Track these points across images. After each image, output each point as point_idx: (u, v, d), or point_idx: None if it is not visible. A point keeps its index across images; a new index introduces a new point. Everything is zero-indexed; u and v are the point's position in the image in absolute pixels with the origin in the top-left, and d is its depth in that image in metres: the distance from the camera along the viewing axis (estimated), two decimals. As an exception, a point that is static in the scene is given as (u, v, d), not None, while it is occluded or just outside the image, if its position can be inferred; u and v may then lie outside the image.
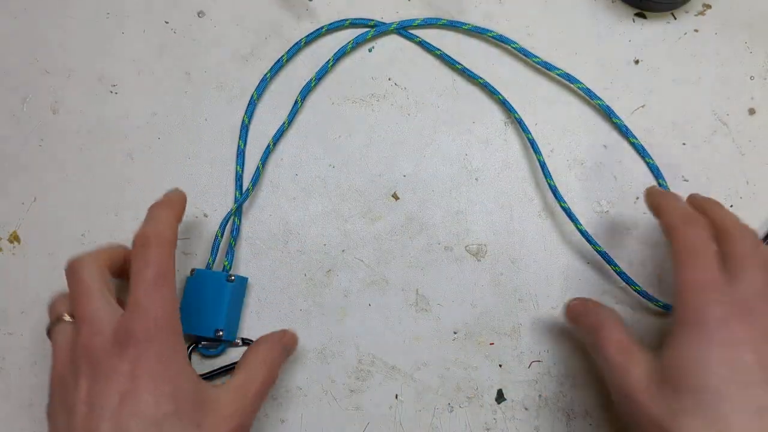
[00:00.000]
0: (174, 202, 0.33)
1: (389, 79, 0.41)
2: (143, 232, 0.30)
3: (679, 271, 0.29)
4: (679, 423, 0.26)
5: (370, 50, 0.41)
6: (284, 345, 0.34)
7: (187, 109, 0.40)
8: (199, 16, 0.42)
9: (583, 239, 0.37)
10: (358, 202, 0.39)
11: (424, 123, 0.40)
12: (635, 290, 0.36)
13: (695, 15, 0.41)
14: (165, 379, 0.27)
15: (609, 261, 0.37)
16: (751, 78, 0.40)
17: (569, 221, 0.37)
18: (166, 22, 0.42)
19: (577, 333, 0.35)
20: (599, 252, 0.37)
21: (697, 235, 0.29)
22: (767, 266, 0.28)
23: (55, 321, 0.30)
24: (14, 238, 0.39)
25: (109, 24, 0.42)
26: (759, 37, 0.41)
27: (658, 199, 0.33)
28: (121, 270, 0.32)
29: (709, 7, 0.41)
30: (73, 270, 0.30)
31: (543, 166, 0.38)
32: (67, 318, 0.29)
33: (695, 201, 0.33)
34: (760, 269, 0.28)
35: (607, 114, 0.39)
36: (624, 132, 0.39)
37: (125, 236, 0.38)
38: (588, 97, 0.39)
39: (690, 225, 0.30)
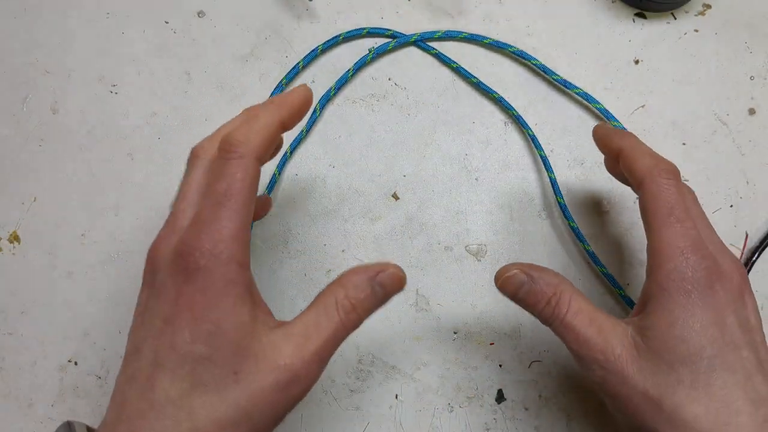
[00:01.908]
0: (284, 103, 0.27)
1: (389, 79, 0.41)
2: (228, 136, 0.25)
3: (661, 233, 0.26)
4: (677, 396, 0.24)
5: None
6: (379, 283, 0.27)
7: (187, 109, 0.40)
8: (199, 16, 0.42)
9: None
10: (358, 202, 0.39)
11: (424, 123, 0.40)
12: (620, 294, 0.36)
13: (695, 15, 0.41)
14: (206, 315, 0.23)
15: (596, 262, 0.37)
16: (751, 78, 0.40)
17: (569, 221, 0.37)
18: (166, 22, 0.42)
19: (520, 306, 0.29)
20: (588, 252, 0.37)
21: (679, 191, 0.27)
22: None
23: None
24: (14, 238, 0.39)
25: (109, 24, 0.42)
26: (759, 37, 0.41)
27: (618, 140, 0.30)
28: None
29: (709, 7, 0.41)
30: (189, 158, 0.27)
31: (545, 160, 0.38)
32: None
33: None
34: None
35: (606, 117, 0.39)
36: (624, 132, 0.39)
37: (125, 236, 0.38)
38: (586, 101, 0.39)
39: (669, 177, 0.27)
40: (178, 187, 0.28)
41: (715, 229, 0.28)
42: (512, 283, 0.28)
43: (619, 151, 0.29)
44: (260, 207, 0.33)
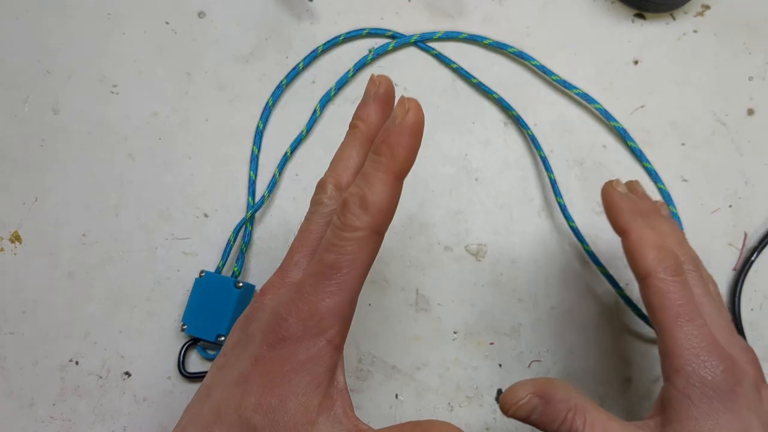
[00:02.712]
0: (396, 150, 0.22)
1: (389, 80, 0.41)
2: (362, 196, 0.22)
3: (672, 334, 0.25)
4: None
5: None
6: None
7: (187, 109, 0.40)
8: (199, 16, 0.42)
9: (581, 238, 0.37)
10: (359, 202, 0.39)
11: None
12: (620, 294, 0.36)
13: (694, 16, 0.41)
14: (276, 387, 0.22)
15: (596, 262, 0.37)
16: (750, 78, 0.40)
17: (570, 221, 0.37)
18: (167, 23, 0.42)
19: (533, 427, 0.27)
20: (588, 252, 0.37)
21: (685, 287, 0.26)
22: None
23: None
24: (15, 237, 0.39)
25: (109, 24, 0.42)
26: (758, 37, 0.41)
27: (624, 221, 0.27)
28: None
29: (708, 7, 0.41)
30: (314, 197, 0.26)
31: (544, 160, 0.38)
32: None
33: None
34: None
35: (605, 117, 0.39)
36: (622, 135, 0.39)
37: (126, 237, 0.39)
38: (586, 101, 0.40)
39: (675, 275, 0.26)
40: (300, 225, 0.27)
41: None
42: (525, 409, 0.26)
43: (622, 233, 0.27)
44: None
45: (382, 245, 0.38)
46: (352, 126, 0.27)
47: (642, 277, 0.26)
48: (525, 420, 0.26)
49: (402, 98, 0.22)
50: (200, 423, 0.23)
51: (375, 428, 0.23)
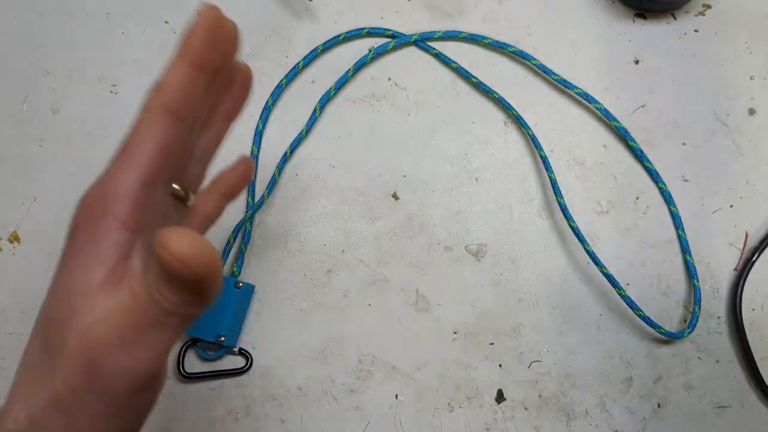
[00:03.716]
0: (193, 44, 0.23)
1: (389, 79, 0.41)
2: (158, 80, 0.23)
3: None
4: None
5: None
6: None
7: (187, 109, 0.40)
8: (199, 16, 0.42)
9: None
10: (358, 202, 0.39)
11: (424, 123, 0.40)
12: (620, 294, 0.36)
13: (695, 15, 0.41)
14: (64, 271, 0.22)
15: (596, 262, 0.37)
16: (751, 78, 0.40)
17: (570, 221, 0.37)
18: (166, 22, 0.42)
19: None
20: (588, 252, 0.37)
21: None
22: None
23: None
24: (14, 238, 0.39)
25: (109, 24, 0.42)
26: (759, 37, 0.41)
27: None
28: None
29: (709, 7, 0.41)
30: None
31: (545, 160, 0.38)
32: None
33: None
34: None
35: (606, 117, 0.39)
36: (623, 135, 0.39)
37: (125, 236, 0.38)
38: (586, 101, 0.39)
39: None
40: None
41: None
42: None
43: None
44: (238, 173, 0.30)
45: (381, 245, 0.38)
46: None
47: None
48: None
49: (203, 4, 0.24)
50: (29, 339, 0.22)
51: None
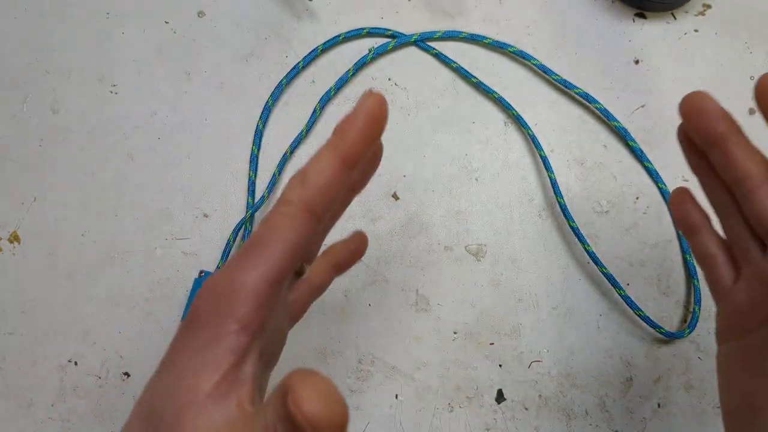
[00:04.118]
0: (342, 134, 0.21)
1: (389, 79, 0.41)
2: (303, 172, 0.21)
3: None
4: None
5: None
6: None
7: (187, 109, 0.40)
8: (199, 16, 0.42)
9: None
10: (358, 202, 0.39)
11: (424, 123, 0.40)
12: (620, 294, 0.36)
13: (695, 15, 0.41)
14: (176, 368, 0.20)
15: (596, 262, 0.37)
16: (751, 78, 0.40)
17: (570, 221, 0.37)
18: (166, 22, 0.42)
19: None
20: (588, 252, 0.37)
21: None
22: None
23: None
24: (14, 238, 0.39)
25: (109, 24, 0.42)
26: (759, 37, 0.41)
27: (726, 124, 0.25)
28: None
29: (709, 7, 0.41)
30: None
31: (545, 160, 0.38)
32: None
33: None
34: None
35: (606, 117, 0.39)
36: (623, 135, 0.39)
37: (125, 237, 0.38)
38: (586, 101, 0.39)
39: None
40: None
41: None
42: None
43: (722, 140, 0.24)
44: (351, 246, 0.29)
45: (381, 245, 0.38)
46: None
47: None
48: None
49: (367, 90, 0.22)
50: (131, 417, 0.21)
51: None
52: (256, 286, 0.20)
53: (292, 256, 0.21)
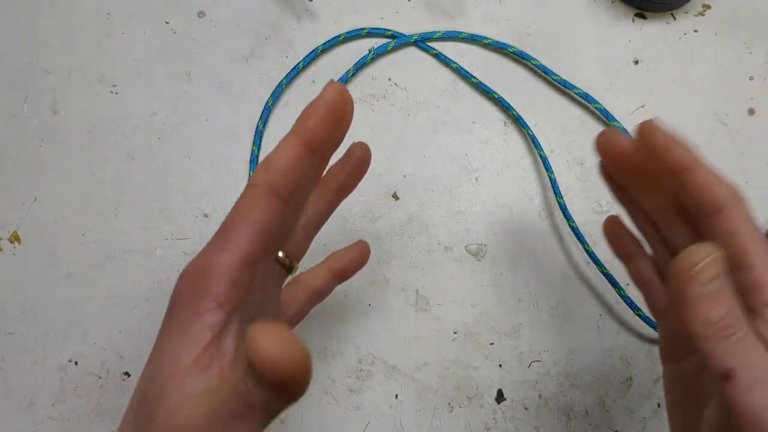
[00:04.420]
0: (303, 120, 0.22)
1: (389, 79, 0.41)
2: (268, 156, 0.22)
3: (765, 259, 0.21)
4: None
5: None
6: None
7: (187, 109, 0.40)
8: (199, 16, 0.42)
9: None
10: (358, 202, 0.39)
11: (424, 123, 0.40)
12: (620, 294, 0.36)
13: (695, 15, 0.41)
14: (159, 349, 0.22)
15: (596, 262, 0.37)
16: (751, 78, 0.40)
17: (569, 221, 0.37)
18: (167, 22, 0.42)
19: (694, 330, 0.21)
20: (588, 252, 0.37)
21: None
22: None
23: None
24: (14, 238, 0.39)
25: (109, 24, 0.42)
26: (759, 37, 0.41)
27: (682, 154, 0.25)
28: None
29: (708, 7, 0.41)
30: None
31: (545, 160, 0.38)
32: None
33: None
34: None
35: (606, 117, 0.39)
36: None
37: (125, 237, 0.38)
38: (586, 101, 0.39)
39: (747, 207, 0.23)
40: None
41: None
42: (693, 266, 0.21)
43: (684, 169, 0.25)
44: (352, 256, 0.30)
45: (381, 245, 0.38)
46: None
47: (713, 212, 0.23)
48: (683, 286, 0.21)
49: (330, 80, 0.23)
50: (128, 406, 0.22)
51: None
52: (229, 267, 0.21)
53: (262, 237, 0.22)
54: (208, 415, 0.19)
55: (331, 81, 0.23)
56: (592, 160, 0.39)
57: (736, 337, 0.20)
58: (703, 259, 0.21)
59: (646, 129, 0.26)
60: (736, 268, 0.22)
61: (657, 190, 0.26)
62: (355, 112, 0.42)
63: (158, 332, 0.22)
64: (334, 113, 0.22)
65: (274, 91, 0.40)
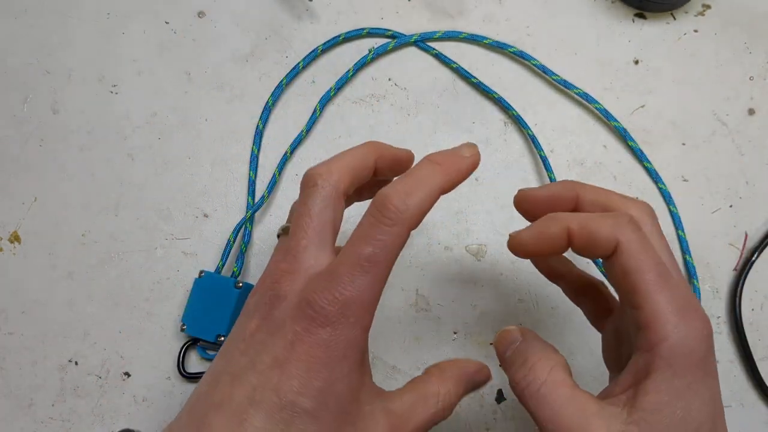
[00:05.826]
0: (451, 167, 0.26)
1: (389, 79, 0.41)
2: (385, 195, 0.24)
3: (654, 299, 0.22)
4: None
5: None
6: (474, 382, 0.29)
7: (187, 109, 0.40)
8: (199, 16, 0.42)
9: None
10: (358, 203, 0.39)
11: (424, 123, 0.40)
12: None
13: (695, 15, 0.41)
14: (321, 371, 0.22)
15: (596, 262, 0.37)
16: (751, 78, 0.40)
17: (569, 221, 0.37)
18: (167, 22, 0.42)
19: (508, 375, 0.26)
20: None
21: (648, 240, 0.24)
22: None
23: (282, 230, 0.27)
24: (14, 238, 0.39)
25: (109, 24, 0.42)
26: (759, 37, 0.41)
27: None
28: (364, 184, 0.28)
29: (708, 7, 0.41)
30: (306, 188, 0.26)
31: (545, 160, 0.38)
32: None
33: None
34: None
35: (606, 117, 0.39)
36: (622, 135, 0.39)
37: (125, 237, 0.39)
38: (586, 101, 0.39)
39: (636, 229, 0.24)
40: (291, 209, 0.28)
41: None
42: (504, 340, 0.26)
43: (561, 250, 0.26)
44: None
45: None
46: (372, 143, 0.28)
47: (610, 255, 0.24)
48: (502, 358, 0.27)
49: (469, 143, 0.27)
50: (230, 408, 0.23)
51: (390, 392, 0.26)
52: (374, 298, 0.23)
53: (391, 268, 0.24)
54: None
55: (469, 144, 0.27)
56: (592, 160, 0.39)
57: (540, 389, 0.24)
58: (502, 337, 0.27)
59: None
60: (633, 308, 0.23)
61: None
62: (355, 112, 0.42)
63: (293, 354, 0.23)
64: (468, 174, 0.26)
65: (274, 91, 0.40)
